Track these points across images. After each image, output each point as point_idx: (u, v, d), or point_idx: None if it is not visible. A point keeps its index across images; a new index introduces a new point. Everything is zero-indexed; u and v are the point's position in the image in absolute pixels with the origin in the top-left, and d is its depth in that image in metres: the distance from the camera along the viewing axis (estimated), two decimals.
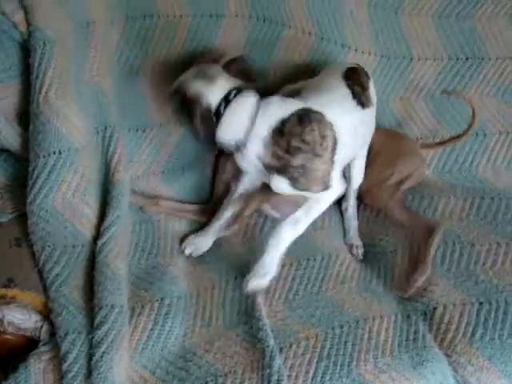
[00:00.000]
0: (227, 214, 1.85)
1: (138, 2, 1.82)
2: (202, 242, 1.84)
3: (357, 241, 1.94)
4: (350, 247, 1.92)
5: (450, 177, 2.17)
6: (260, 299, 1.66)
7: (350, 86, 1.75)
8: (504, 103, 2.26)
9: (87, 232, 1.66)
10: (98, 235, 1.66)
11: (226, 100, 1.62)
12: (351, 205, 1.97)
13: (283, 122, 1.60)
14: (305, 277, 1.77)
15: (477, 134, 2.20)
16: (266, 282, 1.66)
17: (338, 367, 1.53)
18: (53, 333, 1.49)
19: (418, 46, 2.18)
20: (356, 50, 2.11)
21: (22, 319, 1.48)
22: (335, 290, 1.74)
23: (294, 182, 1.63)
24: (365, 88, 1.78)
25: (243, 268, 1.74)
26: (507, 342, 1.62)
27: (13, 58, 1.61)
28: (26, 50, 1.60)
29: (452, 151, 2.18)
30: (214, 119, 1.61)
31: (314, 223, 1.79)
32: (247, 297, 1.67)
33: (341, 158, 1.69)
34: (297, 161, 1.60)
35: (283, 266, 1.76)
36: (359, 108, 1.73)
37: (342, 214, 2.02)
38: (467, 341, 1.62)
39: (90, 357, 1.43)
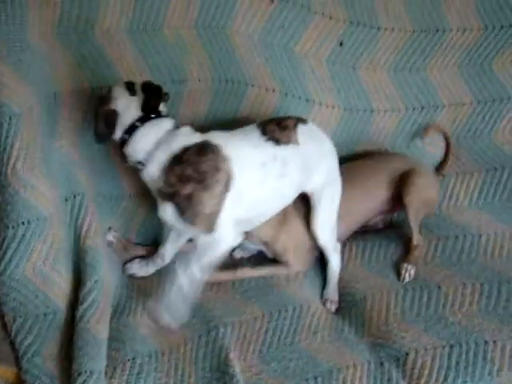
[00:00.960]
0: (164, 247, 1.92)
1: (102, 72, 1.88)
2: (143, 267, 1.91)
3: (333, 296, 1.96)
4: (325, 301, 1.95)
5: None
6: (233, 355, 1.67)
7: (260, 124, 1.80)
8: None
9: (59, 300, 1.67)
10: (70, 302, 1.68)
11: (145, 118, 1.69)
12: (332, 263, 2.00)
13: (184, 151, 1.66)
14: (277, 329, 1.78)
15: None
16: (164, 321, 1.70)
17: None
18: None
19: (377, 98, 2.28)
20: (320, 104, 2.19)
21: None
22: (308, 340, 1.76)
23: (181, 211, 1.66)
24: (285, 127, 1.79)
25: (217, 322, 1.76)
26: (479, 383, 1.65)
27: None
28: None
29: None
30: (127, 134, 1.69)
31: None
32: (220, 352, 1.68)
33: (245, 203, 1.72)
34: (186, 189, 1.64)
35: (256, 318, 1.80)
36: (271, 144, 1.76)
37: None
38: None
39: None
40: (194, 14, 1.98)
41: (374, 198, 2.10)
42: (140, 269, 1.94)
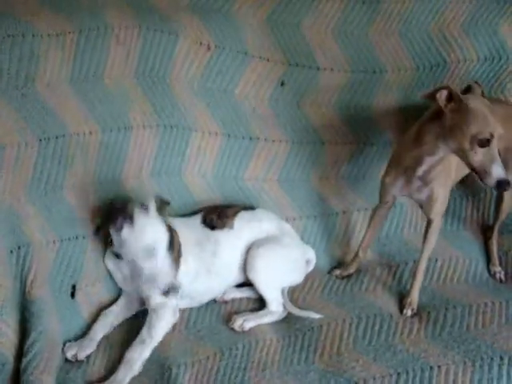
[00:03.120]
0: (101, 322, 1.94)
1: (47, 124, 1.92)
2: (86, 345, 1.87)
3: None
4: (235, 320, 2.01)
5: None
6: None
7: (204, 214, 2.10)
8: None
9: (7, 351, 1.66)
10: (19, 353, 1.68)
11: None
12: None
13: None
14: (228, 367, 1.80)
15: None
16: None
17: None
18: None
19: (327, 133, 2.35)
20: (266, 139, 2.26)
21: None
22: (257, 377, 1.77)
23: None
24: (223, 216, 2.10)
25: (170, 363, 1.79)
26: None
27: None
28: None
29: None
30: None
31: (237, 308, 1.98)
32: None
33: (189, 274, 1.98)
34: None
35: (208, 357, 1.82)
36: (207, 229, 2.07)
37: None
38: None
39: None
40: (133, 63, 2.04)
41: None
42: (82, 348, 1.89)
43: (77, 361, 1.81)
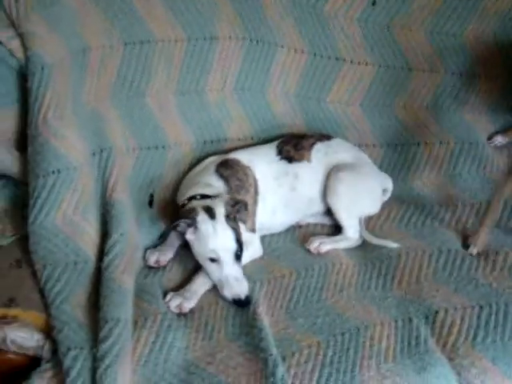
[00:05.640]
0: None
1: (133, 28, 1.88)
2: (166, 250, 1.87)
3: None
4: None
5: None
6: (261, 309, 1.67)
7: (280, 144, 2.04)
8: None
9: (89, 249, 1.68)
10: (99, 252, 1.69)
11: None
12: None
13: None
14: (304, 286, 1.78)
15: None
16: (189, 306, 1.70)
17: (341, 374, 1.53)
18: (55, 351, 1.50)
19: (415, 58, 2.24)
20: (351, 61, 2.17)
21: (24, 338, 1.49)
22: (334, 298, 1.75)
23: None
24: (300, 148, 2.03)
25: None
26: (509, 343, 1.62)
27: (9, 84, 1.68)
28: (22, 76, 1.66)
29: None
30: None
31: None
32: (248, 309, 1.68)
33: (266, 208, 1.96)
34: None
35: (284, 275, 1.80)
36: (284, 162, 2.01)
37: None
38: (469, 343, 1.63)
39: (92, 372, 1.44)
40: None
41: None
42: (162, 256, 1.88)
43: (158, 267, 1.82)
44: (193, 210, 1.74)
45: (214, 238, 1.71)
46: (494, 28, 2.28)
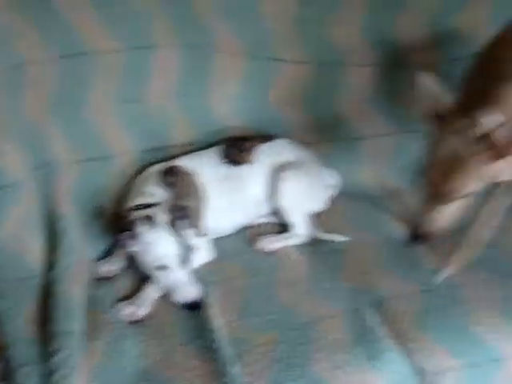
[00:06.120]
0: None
1: (68, 41, 1.87)
2: (117, 261, 1.88)
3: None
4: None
5: None
6: (213, 311, 1.70)
7: (224, 147, 2.06)
8: None
9: (36, 264, 1.66)
10: (48, 266, 1.68)
11: None
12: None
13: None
14: (256, 285, 1.81)
15: None
16: (142, 313, 1.72)
17: (293, 368, 1.57)
18: (7, 369, 1.48)
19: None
20: (289, 61, 2.19)
21: None
22: (285, 294, 1.78)
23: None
24: (243, 150, 2.06)
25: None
26: (453, 324, 1.69)
27: None
28: None
29: None
30: None
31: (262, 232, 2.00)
32: (201, 312, 1.71)
33: (212, 211, 1.95)
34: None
35: (235, 277, 1.84)
36: (227, 165, 2.03)
37: None
38: (417, 328, 1.68)
39: None
40: None
41: None
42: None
43: (109, 278, 1.83)
44: (133, 222, 1.75)
45: (157, 246, 1.73)
46: (422, 21, 2.33)
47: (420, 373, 1.60)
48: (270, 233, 2.06)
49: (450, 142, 1.55)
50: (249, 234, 2.06)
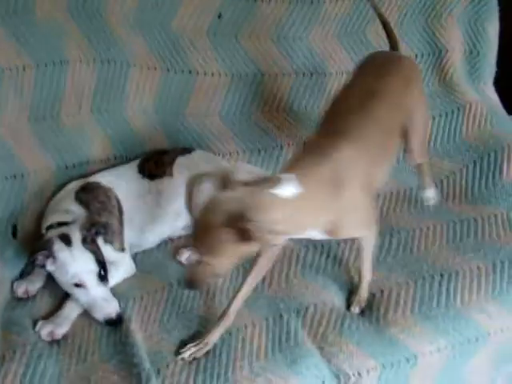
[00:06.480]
0: None
1: None
2: (35, 280, 1.83)
3: None
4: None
5: None
6: (134, 326, 1.69)
7: (140, 163, 2.06)
8: None
9: None
10: None
11: None
12: None
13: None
14: (177, 298, 1.80)
15: None
16: (61, 331, 1.70)
17: (215, 378, 1.57)
18: None
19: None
20: (205, 73, 2.23)
21: None
22: (206, 305, 1.79)
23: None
24: (161, 164, 2.04)
25: (118, 297, 1.77)
26: (370, 326, 1.74)
27: None
28: None
29: None
30: None
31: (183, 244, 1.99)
32: (121, 327, 1.69)
33: (134, 227, 1.95)
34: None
35: (156, 290, 1.82)
36: (146, 180, 2.02)
37: None
38: (337, 332, 1.71)
39: None
40: None
41: None
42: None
43: (27, 298, 1.80)
44: (48, 241, 1.72)
45: (73, 263, 1.70)
46: (336, 29, 2.41)
47: (340, 375, 1.63)
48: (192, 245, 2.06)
49: (216, 199, 1.41)
50: (171, 247, 2.05)
